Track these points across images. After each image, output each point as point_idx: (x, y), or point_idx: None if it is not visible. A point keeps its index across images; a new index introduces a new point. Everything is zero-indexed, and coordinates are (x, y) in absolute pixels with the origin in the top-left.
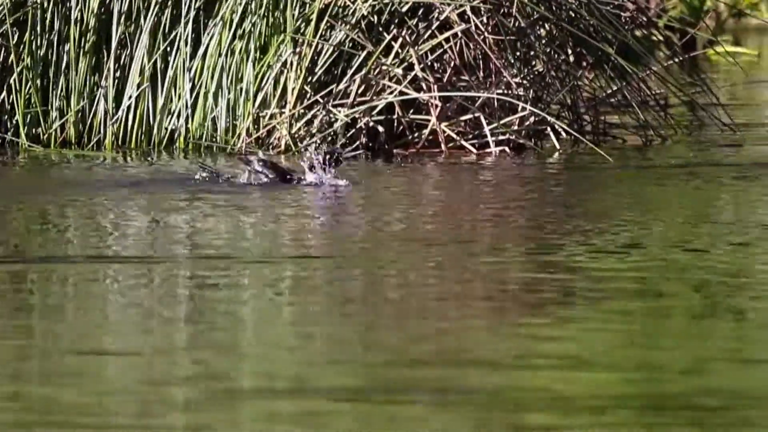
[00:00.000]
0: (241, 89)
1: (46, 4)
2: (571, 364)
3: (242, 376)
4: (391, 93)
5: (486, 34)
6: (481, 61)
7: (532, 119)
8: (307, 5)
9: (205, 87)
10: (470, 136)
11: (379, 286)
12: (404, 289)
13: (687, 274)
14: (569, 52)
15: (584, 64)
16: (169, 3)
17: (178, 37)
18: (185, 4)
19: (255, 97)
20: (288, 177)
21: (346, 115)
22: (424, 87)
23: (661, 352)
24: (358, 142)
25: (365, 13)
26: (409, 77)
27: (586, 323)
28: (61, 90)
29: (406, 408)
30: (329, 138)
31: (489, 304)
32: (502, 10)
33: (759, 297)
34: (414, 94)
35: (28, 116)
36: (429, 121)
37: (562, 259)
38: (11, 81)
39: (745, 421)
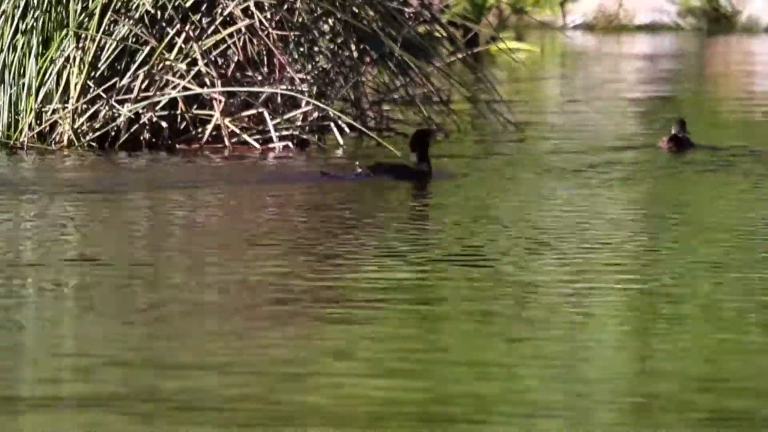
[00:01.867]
0: (24, 84)
1: None
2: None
3: None
4: (175, 88)
5: (270, 29)
6: (265, 57)
7: (315, 114)
8: (90, 0)
9: None
10: (254, 132)
11: (134, 289)
12: (164, 293)
13: (465, 281)
14: (353, 48)
15: (368, 59)
16: None
17: None
18: None
19: (38, 92)
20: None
21: (130, 110)
22: (208, 82)
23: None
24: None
25: (149, 8)
26: (192, 72)
27: (361, 328)
28: None
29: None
30: (113, 132)
31: (243, 311)
32: (285, 6)
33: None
34: (197, 90)
35: None
36: (212, 116)
37: (341, 263)
38: None
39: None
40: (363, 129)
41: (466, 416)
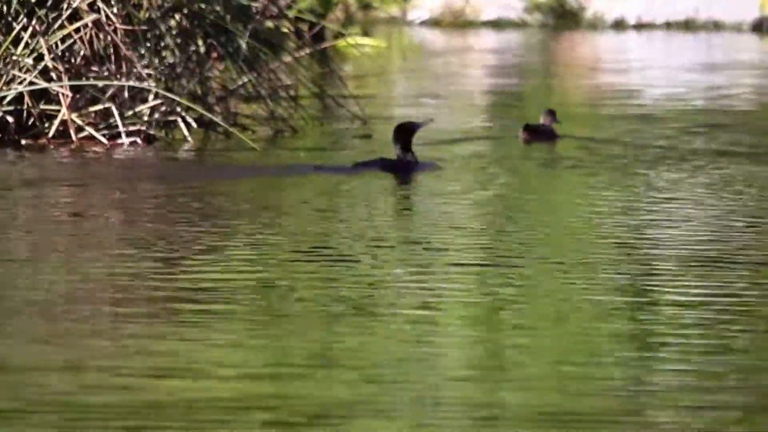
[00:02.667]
0: None
1: None
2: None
3: None
4: (21, 83)
5: (117, 24)
6: (112, 52)
7: (163, 109)
8: None
9: None
10: (101, 127)
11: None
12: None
13: (318, 281)
14: (200, 43)
15: (215, 55)
16: None
17: None
18: None
19: None
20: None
21: None
22: (55, 77)
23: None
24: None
25: None
26: (39, 67)
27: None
28: None
29: None
30: None
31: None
32: (132, 1)
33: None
34: (44, 84)
35: None
36: (59, 111)
37: (181, 264)
38: None
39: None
40: (214, 119)
41: (309, 416)
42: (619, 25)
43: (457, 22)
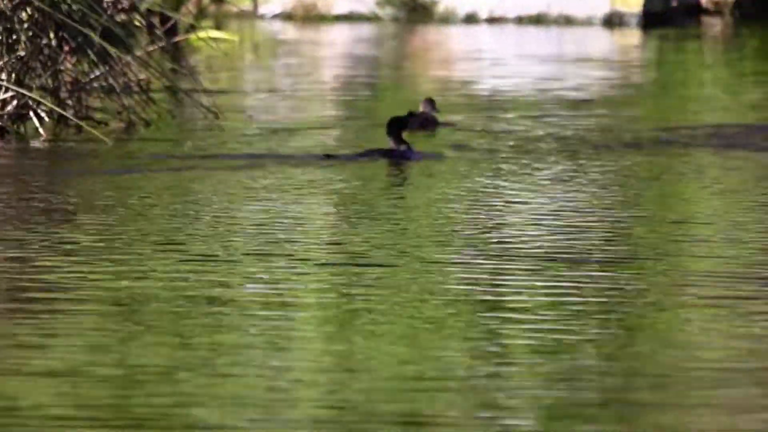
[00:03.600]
0: None
1: None
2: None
3: None
4: None
5: None
6: None
7: (14, 103)
8: None
9: None
10: None
11: None
12: None
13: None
14: (52, 36)
15: (67, 48)
16: None
17: None
18: None
19: None
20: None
21: None
22: None
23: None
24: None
25: None
26: None
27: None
28: None
29: None
30: None
31: None
32: None
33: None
34: None
35: None
36: None
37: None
38: None
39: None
40: (64, 113)
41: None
42: (470, 19)
43: (309, 16)
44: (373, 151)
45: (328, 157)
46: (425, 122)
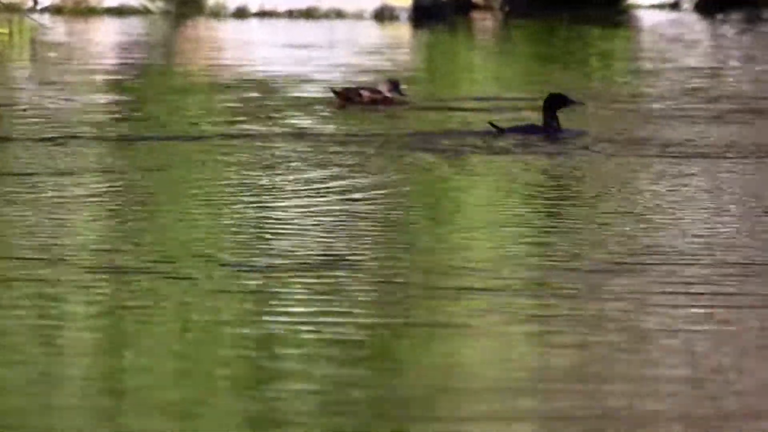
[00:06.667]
0: None
1: None
2: None
3: None
4: None
5: None
6: None
7: None
8: None
9: None
10: None
11: None
12: None
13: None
14: None
15: None
16: None
17: None
18: None
19: None
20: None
21: None
22: None
23: None
24: None
25: None
26: None
27: None
28: None
29: None
30: None
31: None
32: None
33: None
34: None
35: None
36: None
37: None
38: None
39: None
40: None
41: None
42: (240, 14)
43: (79, 9)
44: (524, 127)
45: (495, 127)
46: (348, 99)
